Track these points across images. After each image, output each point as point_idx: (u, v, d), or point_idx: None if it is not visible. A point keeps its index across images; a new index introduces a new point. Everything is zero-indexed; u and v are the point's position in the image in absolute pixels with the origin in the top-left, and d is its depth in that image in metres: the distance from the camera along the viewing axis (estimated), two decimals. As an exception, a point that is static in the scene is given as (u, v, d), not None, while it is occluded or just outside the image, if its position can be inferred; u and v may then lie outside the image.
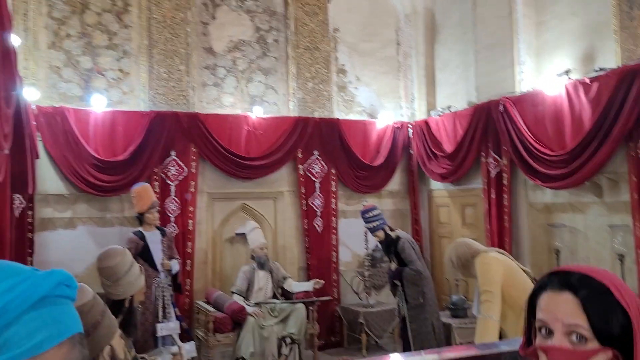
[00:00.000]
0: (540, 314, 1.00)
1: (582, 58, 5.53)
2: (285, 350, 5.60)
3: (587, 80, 5.16)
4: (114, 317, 2.11)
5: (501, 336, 3.44)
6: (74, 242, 5.80)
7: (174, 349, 4.11)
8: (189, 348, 3.97)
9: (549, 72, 5.83)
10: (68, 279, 0.73)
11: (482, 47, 6.61)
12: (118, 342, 2.08)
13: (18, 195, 4.55)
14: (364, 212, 5.59)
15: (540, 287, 1.03)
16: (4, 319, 0.64)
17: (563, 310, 0.96)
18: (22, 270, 0.70)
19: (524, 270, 3.58)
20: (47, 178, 5.70)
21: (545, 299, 1.00)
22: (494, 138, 6.24)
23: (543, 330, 0.99)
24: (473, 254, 3.62)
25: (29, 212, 5.35)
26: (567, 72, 5.47)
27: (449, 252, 3.76)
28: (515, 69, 6.17)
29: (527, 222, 6.09)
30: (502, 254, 3.68)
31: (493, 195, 6.23)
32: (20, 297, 0.66)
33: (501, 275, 3.41)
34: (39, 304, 0.68)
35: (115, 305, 2.89)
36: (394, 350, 6.64)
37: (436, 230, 7.54)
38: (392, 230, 5.61)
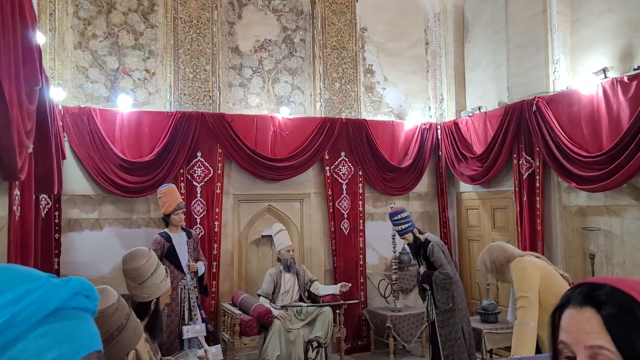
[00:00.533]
0: (561, 335, 0.85)
1: (620, 56, 5.33)
2: (311, 354, 5.51)
3: (626, 79, 4.97)
4: (139, 320, 2.03)
5: (538, 344, 3.29)
6: (100, 243, 5.81)
7: (201, 352, 4.06)
8: (216, 351, 3.91)
9: (585, 71, 5.63)
10: (87, 288, 0.64)
11: (514, 45, 6.43)
12: (143, 346, 2.01)
13: (44, 196, 4.56)
14: (392, 215, 5.46)
15: (563, 303, 0.87)
16: (10, 333, 0.55)
17: (585, 330, 0.81)
18: (35, 276, 0.61)
19: (561, 275, 3.42)
20: (74, 179, 5.72)
21: (567, 318, 0.85)
22: (526, 139, 6.07)
23: (565, 353, 0.84)
24: (508, 258, 3.48)
25: (56, 213, 5.37)
26: (604, 70, 5.27)
27: (483, 255, 3.62)
28: (549, 68, 5.98)
29: (560, 225, 5.89)
30: (538, 257, 3.53)
31: (525, 198, 6.05)
32: (30, 308, 0.57)
33: (538, 280, 3.25)
34: (53, 316, 0.59)
35: (141, 308, 2.83)
36: (422, 356, 6.51)
37: (465, 234, 7.36)
38: (421, 233, 5.48)
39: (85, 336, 0.63)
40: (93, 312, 0.65)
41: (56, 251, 5.30)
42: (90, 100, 5.91)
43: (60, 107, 5.49)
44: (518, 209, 6.15)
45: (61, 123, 5.44)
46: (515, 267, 3.32)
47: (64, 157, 5.37)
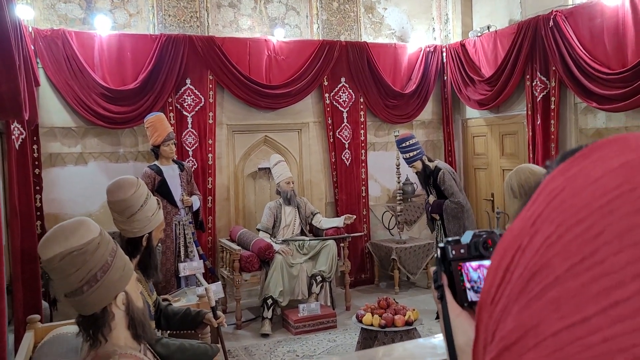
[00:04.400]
0: None
1: (650, -40, 4.82)
2: (315, 288, 5.29)
3: (658, -15, 4.50)
4: (127, 257, 1.68)
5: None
6: (86, 179, 5.42)
7: (200, 290, 3.78)
8: (216, 289, 3.63)
9: (609, -20, 5.13)
10: None
11: (529, -46, 5.86)
12: (134, 287, 1.67)
13: (17, 125, 4.12)
14: (400, 142, 5.11)
15: None
16: None
17: None
18: None
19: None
20: (52, 110, 5.24)
21: None
22: (541, 58, 5.65)
23: None
24: (537, 181, 3.14)
25: (34, 147, 4.93)
26: (631, -23, 4.78)
27: (509, 179, 3.27)
28: (568, -22, 5.47)
29: (576, 150, 5.57)
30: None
31: (538, 122, 5.70)
32: None
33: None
34: None
35: (131, 244, 2.50)
36: (427, 287, 6.35)
37: (471, 162, 7.04)
38: (430, 160, 5.15)
39: None
40: None
41: (37, 187, 4.90)
42: (64, 22, 5.34)
43: (30, 29, 4.94)
44: (530, 133, 5.81)
45: (33, 47, 4.91)
46: (549, 189, 2.99)
47: (37, 84, 4.87)
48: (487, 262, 0.64)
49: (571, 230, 0.27)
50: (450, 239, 0.67)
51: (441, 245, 0.66)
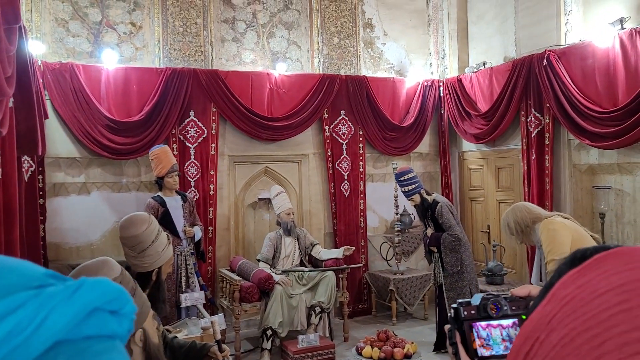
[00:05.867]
0: None
1: (638, 5, 5.03)
2: (314, 319, 5.33)
3: (646, 29, 4.69)
4: (145, 296, 1.76)
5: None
6: (88, 209, 5.49)
7: (203, 322, 3.82)
8: (219, 321, 3.68)
9: (599, 22, 5.33)
10: (114, 298, 0.35)
11: (523, -5, 6.08)
12: (151, 324, 1.74)
13: (26, 158, 4.21)
14: (399, 175, 5.21)
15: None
16: None
17: None
18: (24, 277, 0.32)
19: (592, 237, 3.21)
20: (58, 140, 5.35)
21: None
22: (535, 95, 5.81)
23: None
24: (534, 219, 3.26)
25: (39, 177, 5.02)
26: (620, 20, 4.98)
27: (506, 216, 3.39)
28: (560, 19, 5.68)
29: (569, 184, 5.71)
30: (566, 218, 3.31)
31: (533, 156, 5.83)
32: (15, 340, 0.28)
33: (570, 242, 3.04)
34: (56, 352, 0.31)
35: (141, 279, 2.56)
36: (424, 318, 6.39)
37: (467, 194, 7.16)
38: (428, 194, 5.26)
39: None
40: (123, 337, 0.36)
41: (41, 217, 4.97)
42: (72, 56, 5.48)
43: (39, 62, 5.07)
44: (525, 168, 5.94)
45: (41, 80, 5.03)
46: (545, 228, 3.10)
47: (46, 117, 4.98)
48: (494, 322, 0.74)
49: (581, 335, 0.35)
50: (462, 300, 0.77)
51: (454, 306, 0.76)
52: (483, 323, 0.74)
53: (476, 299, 0.76)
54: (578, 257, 0.41)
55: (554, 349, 0.36)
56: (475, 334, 0.74)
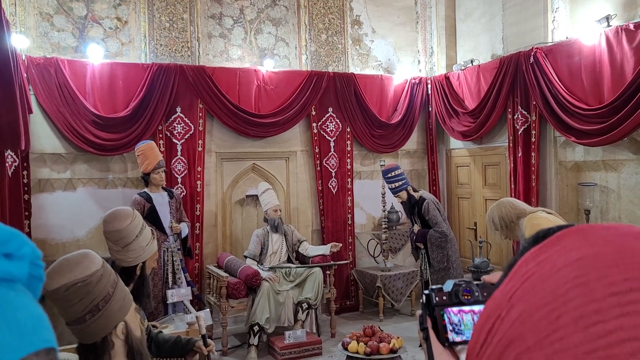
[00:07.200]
0: None
1: (624, 2, 5.08)
2: (301, 315, 5.33)
3: (631, 26, 4.73)
4: (127, 289, 1.75)
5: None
6: (74, 205, 5.44)
7: (189, 317, 3.81)
8: (205, 316, 3.66)
9: (585, 20, 5.38)
10: (8, 239, 0.38)
11: (510, -7, 6.11)
12: (133, 317, 1.73)
13: (10, 153, 4.16)
14: (385, 172, 5.23)
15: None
16: None
17: None
18: None
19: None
20: (42, 135, 5.29)
21: None
22: (522, 92, 5.85)
23: None
24: (518, 215, 3.27)
25: (24, 172, 4.97)
26: (607, 18, 5.02)
27: (491, 212, 3.41)
28: (547, 17, 5.71)
29: (555, 181, 5.75)
30: (550, 213, 3.33)
31: (520, 154, 5.87)
32: None
33: (554, 238, 3.05)
34: None
35: (125, 273, 2.55)
36: (411, 314, 6.42)
37: (455, 191, 7.19)
38: (415, 190, 5.28)
39: (22, 327, 0.38)
40: (23, 279, 0.36)
41: (26, 213, 4.91)
42: (56, 51, 5.42)
43: (24, 57, 5.02)
44: (512, 165, 5.98)
45: (26, 75, 4.98)
46: (530, 223, 3.12)
47: (30, 111, 4.93)
48: (466, 308, 0.75)
49: (539, 310, 0.35)
50: (434, 287, 0.77)
51: (426, 292, 0.76)
52: (455, 309, 0.74)
53: (448, 285, 0.76)
54: (540, 236, 0.41)
55: (513, 325, 0.36)
56: (446, 320, 0.74)
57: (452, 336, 0.73)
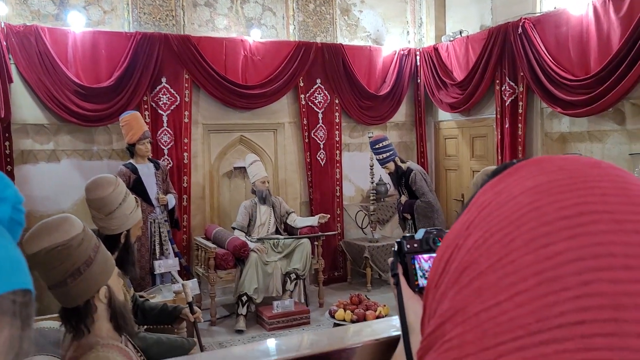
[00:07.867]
0: None
1: (613, -28, 5.04)
2: (289, 285, 5.37)
3: (619, -5, 4.71)
4: (109, 254, 1.74)
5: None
6: (58, 176, 5.38)
7: (176, 286, 3.82)
8: (192, 285, 3.67)
9: (575, -11, 5.33)
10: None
11: (500, -38, 6.04)
12: (116, 281, 1.73)
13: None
14: (373, 143, 5.22)
15: None
16: None
17: None
18: None
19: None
20: (24, 106, 5.19)
21: None
22: (510, 64, 5.83)
23: None
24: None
25: (6, 143, 4.89)
26: (595, -13, 4.99)
27: (475, 179, 3.42)
28: (536, -14, 5.66)
29: (541, 152, 5.79)
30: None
31: (507, 125, 5.88)
32: None
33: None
34: None
35: (109, 241, 2.53)
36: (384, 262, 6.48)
37: (443, 163, 7.21)
38: (402, 161, 5.28)
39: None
40: (3, 221, 0.36)
41: (10, 185, 4.85)
42: (37, 18, 5.29)
43: (2, 24, 4.89)
44: (499, 136, 5.99)
45: (5, 43, 4.86)
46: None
47: (10, 81, 4.83)
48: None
49: (493, 236, 0.35)
50: (406, 234, 0.78)
51: (398, 240, 0.77)
52: (425, 255, 0.75)
53: (420, 234, 0.77)
54: (500, 169, 0.41)
55: (469, 252, 0.36)
56: (416, 266, 0.74)
57: (422, 282, 0.74)
